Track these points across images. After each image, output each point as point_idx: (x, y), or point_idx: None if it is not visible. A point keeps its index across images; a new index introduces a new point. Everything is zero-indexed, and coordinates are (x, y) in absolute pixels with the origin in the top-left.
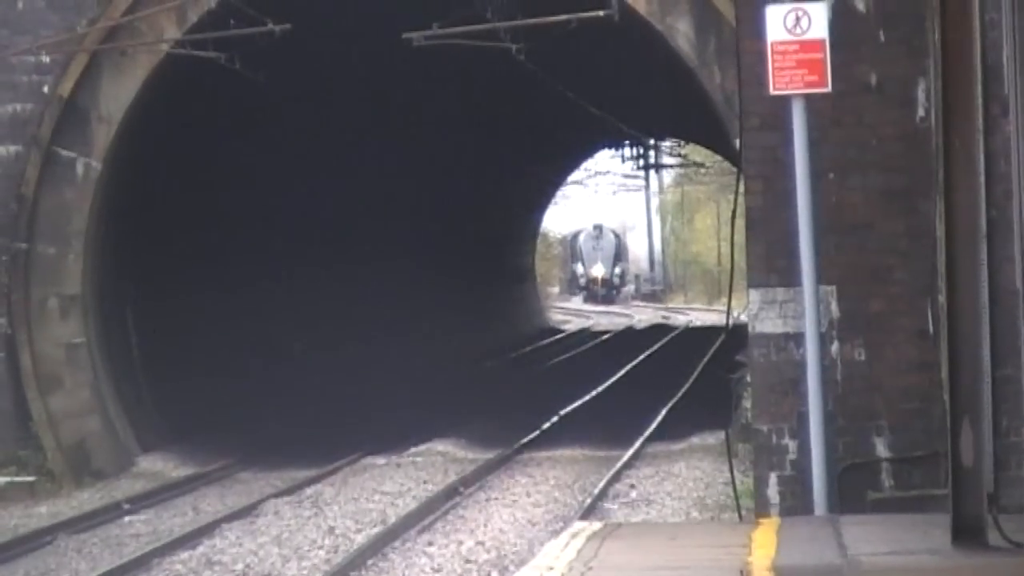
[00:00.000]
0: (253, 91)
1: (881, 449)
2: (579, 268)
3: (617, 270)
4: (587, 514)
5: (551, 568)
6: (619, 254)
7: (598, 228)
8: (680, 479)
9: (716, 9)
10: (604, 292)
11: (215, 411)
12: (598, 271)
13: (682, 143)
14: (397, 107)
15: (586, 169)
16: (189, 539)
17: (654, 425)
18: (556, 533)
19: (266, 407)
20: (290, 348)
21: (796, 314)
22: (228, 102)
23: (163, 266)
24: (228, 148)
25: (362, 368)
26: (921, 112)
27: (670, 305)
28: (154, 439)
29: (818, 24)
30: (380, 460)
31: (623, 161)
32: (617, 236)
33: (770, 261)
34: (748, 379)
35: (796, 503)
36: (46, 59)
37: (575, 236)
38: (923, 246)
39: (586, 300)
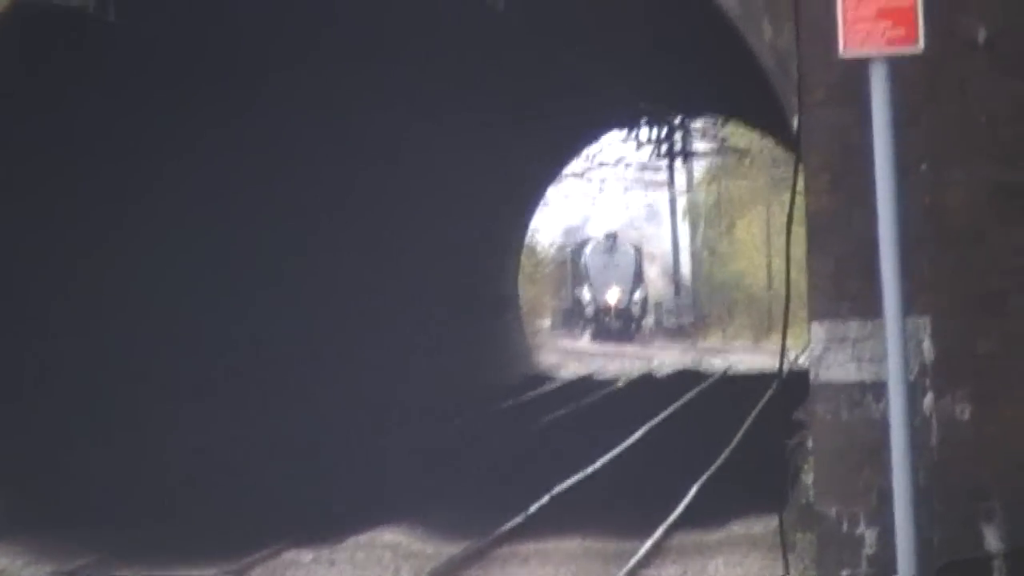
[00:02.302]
0: (137, 52)
1: (992, 541)
2: (585, 293)
3: (637, 295)
4: None
5: None
6: (640, 274)
7: (611, 238)
8: None
9: None
10: (620, 326)
11: (80, 484)
12: (612, 296)
13: (719, 122)
14: (330, 76)
15: (588, 158)
16: None
17: (682, 507)
18: None
19: (153, 478)
20: (188, 397)
21: (876, 356)
22: (102, 67)
23: (7, 274)
24: (107, 126)
25: (285, 427)
26: None
27: (702, 344)
28: None
29: None
30: (307, 554)
31: (638, 147)
32: (637, 249)
33: (840, 284)
34: (810, 445)
35: None
36: None
37: (579, 249)
38: None
39: (595, 337)
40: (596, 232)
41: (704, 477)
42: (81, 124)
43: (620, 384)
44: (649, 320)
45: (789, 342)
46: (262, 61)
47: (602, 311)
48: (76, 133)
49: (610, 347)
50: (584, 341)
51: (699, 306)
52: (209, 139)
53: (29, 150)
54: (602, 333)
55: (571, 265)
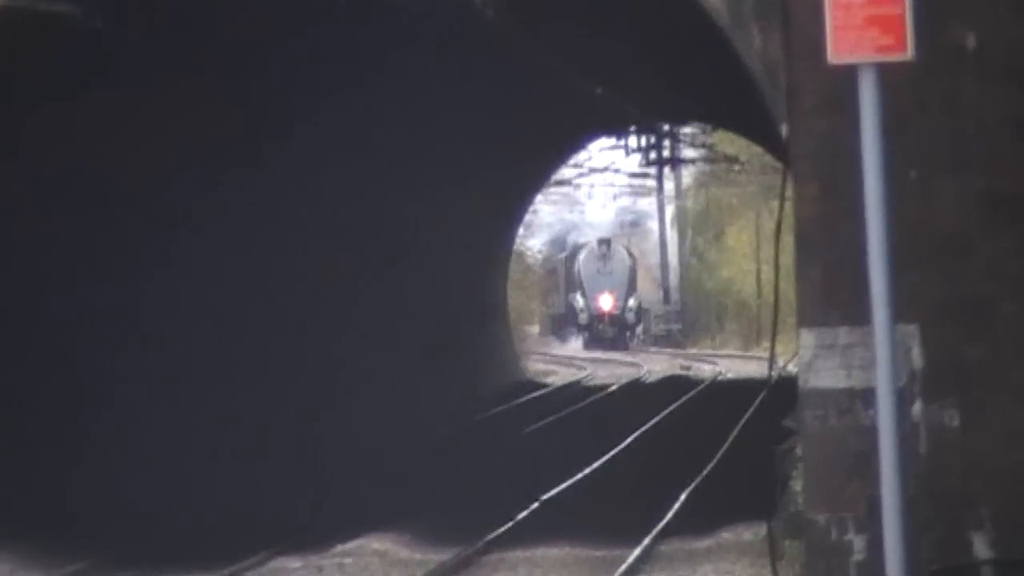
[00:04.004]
0: (124, 62)
1: (981, 548)
2: (578, 300)
3: (632, 302)
4: None
5: None
6: (634, 280)
7: (605, 244)
8: None
9: None
10: (614, 333)
11: (64, 491)
12: (606, 303)
13: (708, 130)
14: (314, 83)
15: (576, 165)
16: None
17: (670, 514)
18: None
19: (137, 484)
20: (172, 401)
21: (864, 363)
22: (88, 80)
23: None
24: (93, 147)
25: (270, 435)
26: None
27: (692, 351)
28: None
29: None
30: (295, 562)
31: (627, 155)
32: (631, 256)
33: (829, 291)
34: (799, 452)
35: None
36: None
37: (572, 255)
38: None
39: (589, 345)
40: (584, 238)
41: (693, 484)
42: (70, 128)
43: (613, 389)
44: (641, 327)
45: (779, 349)
46: (250, 70)
47: (596, 318)
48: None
49: (598, 353)
50: (572, 348)
51: (688, 313)
52: (186, 161)
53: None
54: (596, 341)
55: (564, 271)
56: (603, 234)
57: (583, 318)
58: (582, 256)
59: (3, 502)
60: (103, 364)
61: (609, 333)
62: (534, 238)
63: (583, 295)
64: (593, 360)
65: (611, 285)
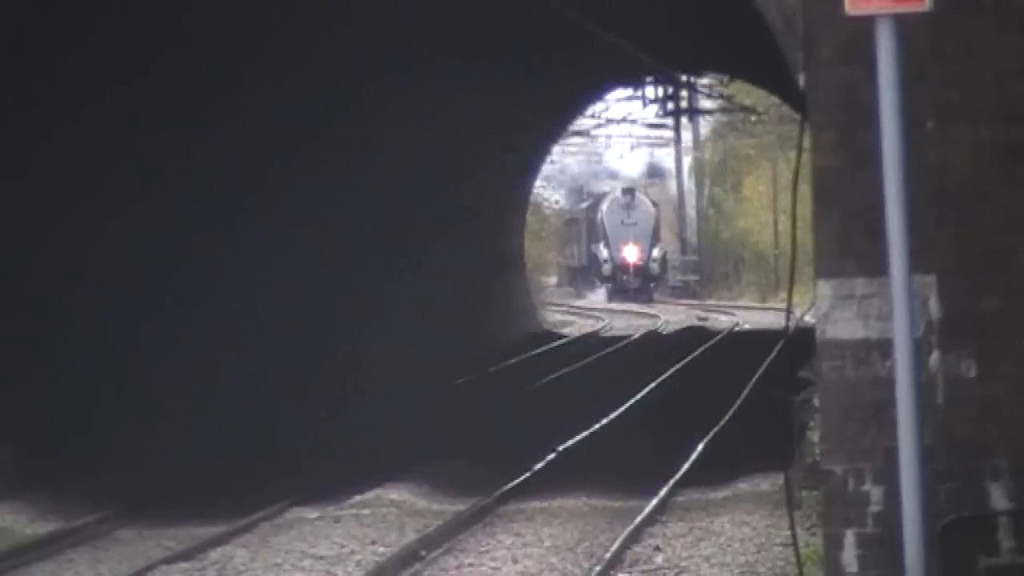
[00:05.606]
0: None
1: (998, 499)
2: (602, 251)
3: (655, 253)
4: None
5: None
6: (658, 231)
7: (629, 193)
8: (723, 539)
9: None
10: (638, 285)
11: (87, 443)
12: (631, 254)
13: (726, 80)
14: (325, 31)
15: (593, 116)
16: None
17: (687, 465)
18: None
19: (158, 437)
20: (191, 357)
21: (882, 314)
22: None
23: (34, 236)
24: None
25: (288, 387)
26: None
27: (709, 302)
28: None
29: None
30: (312, 512)
31: (644, 105)
32: (655, 206)
33: (846, 242)
34: (816, 403)
35: (881, 571)
36: None
37: (595, 205)
38: None
39: (612, 296)
40: (602, 189)
41: (710, 435)
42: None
43: (635, 337)
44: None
45: (795, 300)
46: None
47: (620, 269)
48: None
49: (615, 304)
50: (590, 298)
51: (705, 264)
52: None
53: None
54: (620, 292)
55: (587, 222)
56: (621, 185)
57: (607, 269)
58: (605, 206)
59: (22, 452)
60: (126, 320)
61: (633, 284)
62: (554, 189)
63: (607, 246)
64: (610, 310)
65: (635, 235)
